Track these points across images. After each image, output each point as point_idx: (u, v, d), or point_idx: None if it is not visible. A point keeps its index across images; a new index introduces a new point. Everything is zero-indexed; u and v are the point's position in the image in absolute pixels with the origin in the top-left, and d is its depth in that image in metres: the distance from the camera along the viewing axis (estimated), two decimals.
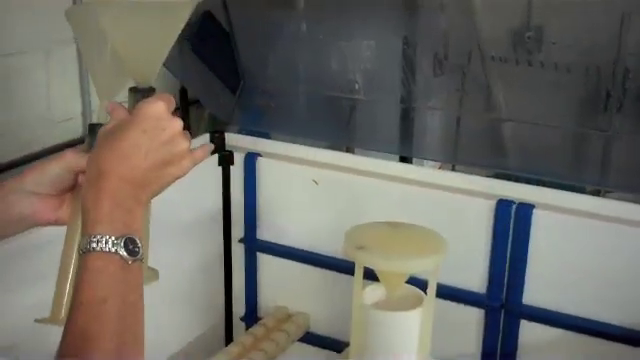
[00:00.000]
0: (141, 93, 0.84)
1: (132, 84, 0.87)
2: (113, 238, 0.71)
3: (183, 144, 0.79)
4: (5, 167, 1.80)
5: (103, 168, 0.74)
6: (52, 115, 2.02)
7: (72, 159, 0.84)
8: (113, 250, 0.71)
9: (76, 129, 2.13)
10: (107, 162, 0.74)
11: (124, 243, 0.71)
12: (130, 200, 0.74)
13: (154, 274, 0.92)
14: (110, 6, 0.84)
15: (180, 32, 0.87)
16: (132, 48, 0.84)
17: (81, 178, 0.83)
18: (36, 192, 0.84)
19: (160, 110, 0.77)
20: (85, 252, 0.71)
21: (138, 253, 0.72)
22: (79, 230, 0.76)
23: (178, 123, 0.79)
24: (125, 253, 0.71)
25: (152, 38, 0.85)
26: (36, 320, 0.85)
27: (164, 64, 1.78)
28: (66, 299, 0.84)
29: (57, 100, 2.03)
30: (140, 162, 0.75)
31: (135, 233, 0.73)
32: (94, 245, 0.70)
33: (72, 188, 0.85)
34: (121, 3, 0.85)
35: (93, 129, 0.85)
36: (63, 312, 0.84)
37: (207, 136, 1.70)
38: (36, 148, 1.99)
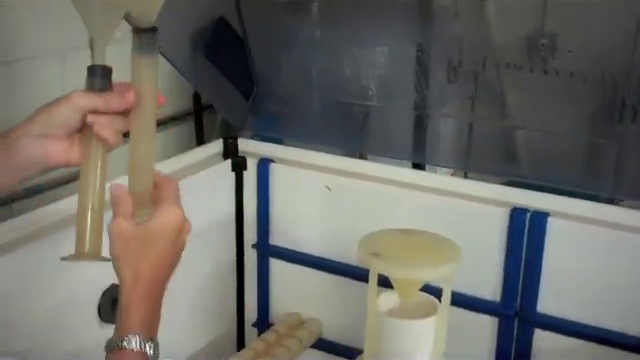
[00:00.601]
0: (146, 35, 0.84)
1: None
2: (145, 340, 0.82)
3: (189, 226, 0.90)
4: None
5: (141, 274, 0.84)
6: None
7: (80, 100, 0.86)
8: (143, 350, 0.81)
9: None
10: (144, 269, 0.84)
11: (153, 345, 0.83)
12: (159, 302, 0.86)
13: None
14: None
15: None
16: None
17: (89, 118, 0.85)
18: (46, 134, 0.85)
19: (180, 217, 0.87)
20: (115, 349, 0.81)
21: (158, 355, 0.83)
22: (92, 167, 0.85)
23: (188, 222, 0.89)
24: (152, 353, 0.82)
25: None
26: (62, 258, 0.86)
27: (178, 69, 1.79)
28: (88, 233, 0.85)
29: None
30: (168, 269, 0.87)
31: (156, 335, 0.84)
32: (125, 344, 0.81)
33: (81, 129, 0.87)
34: None
35: (93, 71, 0.87)
36: (87, 246, 0.85)
37: (220, 142, 1.70)
38: None
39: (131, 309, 0.83)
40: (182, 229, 0.87)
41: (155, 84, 0.87)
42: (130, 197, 0.86)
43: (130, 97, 0.85)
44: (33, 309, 1.23)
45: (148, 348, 0.82)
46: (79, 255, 0.85)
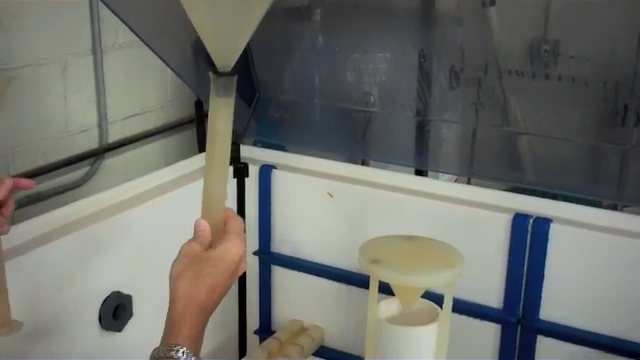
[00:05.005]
0: (222, 78, 0.88)
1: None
2: (191, 353, 0.85)
3: (245, 267, 0.94)
4: (22, 177, 1.81)
5: (197, 293, 0.88)
6: (68, 126, 2.04)
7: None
8: None
9: (92, 140, 2.14)
10: (200, 290, 0.88)
11: (198, 359, 0.86)
12: (205, 324, 0.89)
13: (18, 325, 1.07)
14: None
15: (258, 19, 0.87)
16: (215, 32, 0.86)
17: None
18: None
19: (242, 252, 0.93)
20: (162, 357, 0.84)
21: None
22: None
23: (245, 262, 0.94)
24: None
25: (235, 24, 0.86)
26: None
27: (180, 76, 1.79)
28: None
29: (74, 112, 2.04)
30: (219, 297, 0.91)
31: (199, 353, 0.88)
32: (173, 353, 0.84)
33: None
34: None
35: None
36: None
37: None
38: (52, 158, 2.00)
39: (182, 323, 0.87)
40: (239, 266, 0.93)
41: (229, 124, 0.92)
42: (209, 230, 0.93)
43: (3, 192, 0.98)
44: (35, 315, 1.23)
45: None
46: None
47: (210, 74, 0.89)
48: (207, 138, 0.92)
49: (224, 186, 0.95)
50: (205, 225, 0.94)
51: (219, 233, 0.94)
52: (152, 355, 0.85)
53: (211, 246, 0.93)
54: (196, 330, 0.87)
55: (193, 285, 0.89)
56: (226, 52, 0.88)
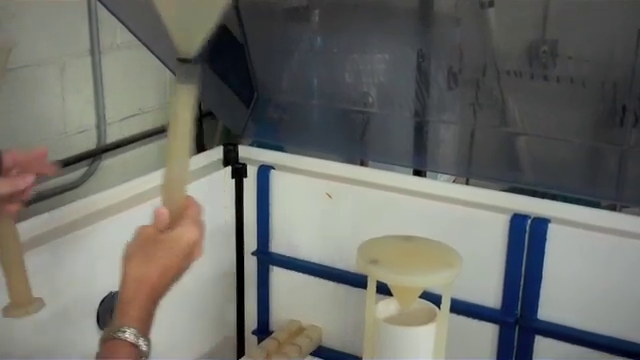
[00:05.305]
0: (187, 66, 0.90)
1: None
2: (140, 334, 0.85)
3: (201, 252, 0.94)
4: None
5: (147, 275, 0.89)
6: (66, 127, 2.03)
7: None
8: (137, 343, 0.85)
9: (90, 141, 2.14)
10: (151, 272, 0.89)
11: (147, 342, 0.86)
12: (156, 307, 0.90)
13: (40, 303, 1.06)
14: None
15: (222, 7, 0.90)
16: (179, 18, 0.88)
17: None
18: None
19: (197, 236, 0.92)
20: (110, 338, 0.85)
21: (149, 354, 0.87)
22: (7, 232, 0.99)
23: (201, 248, 0.94)
24: (144, 348, 0.86)
25: (200, 11, 0.88)
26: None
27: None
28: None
29: (71, 112, 2.04)
30: (171, 280, 0.91)
31: (149, 335, 0.88)
32: (120, 334, 0.84)
33: None
34: None
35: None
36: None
37: (220, 149, 1.70)
38: (50, 159, 1.99)
39: (132, 305, 0.87)
40: (194, 250, 0.93)
41: (191, 110, 0.93)
42: (168, 215, 0.93)
43: (29, 179, 0.97)
44: (33, 316, 1.23)
45: (142, 342, 0.85)
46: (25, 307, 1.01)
47: (176, 60, 0.91)
48: (169, 125, 0.92)
49: (185, 172, 0.95)
50: (164, 210, 0.93)
51: (178, 219, 0.94)
52: (101, 337, 0.86)
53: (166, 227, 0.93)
54: (146, 312, 0.88)
55: (145, 267, 0.89)
56: (189, 39, 0.89)
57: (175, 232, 0.92)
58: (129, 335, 0.84)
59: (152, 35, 1.55)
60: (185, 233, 0.92)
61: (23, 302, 1.04)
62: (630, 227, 1.33)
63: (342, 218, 1.58)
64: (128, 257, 0.90)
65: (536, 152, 1.57)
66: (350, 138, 1.78)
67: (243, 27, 1.74)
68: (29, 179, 0.97)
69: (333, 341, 1.67)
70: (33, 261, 1.22)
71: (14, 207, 1.01)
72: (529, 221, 1.38)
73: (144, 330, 0.86)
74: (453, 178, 1.96)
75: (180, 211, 0.94)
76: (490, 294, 1.44)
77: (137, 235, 0.92)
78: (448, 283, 1.21)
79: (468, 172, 1.75)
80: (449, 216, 1.46)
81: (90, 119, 2.09)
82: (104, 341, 0.86)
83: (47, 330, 1.27)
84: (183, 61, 0.90)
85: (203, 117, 2.30)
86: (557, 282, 1.39)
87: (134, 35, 1.56)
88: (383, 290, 1.23)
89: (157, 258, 0.90)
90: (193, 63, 0.90)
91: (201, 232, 0.94)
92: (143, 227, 0.93)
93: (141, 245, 0.91)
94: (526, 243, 1.39)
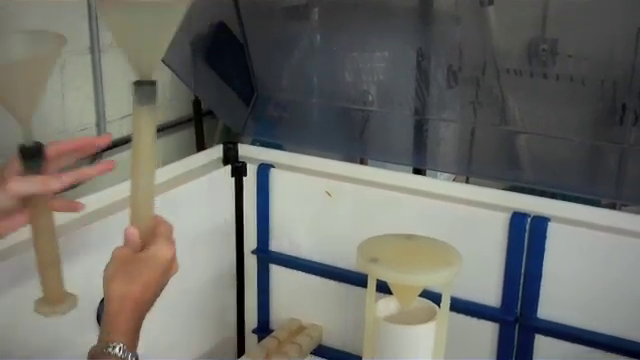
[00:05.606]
0: (143, 87, 0.91)
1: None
2: (128, 350, 0.87)
3: (177, 268, 0.98)
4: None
5: (131, 291, 0.91)
6: (66, 125, 2.03)
7: (17, 188, 0.93)
8: (125, 358, 0.87)
9: None
10: (134, 289, 0.91)
11: (135, 356, 0.88)
12: (141, 322, 0.92)
13: (74, 300, 1.05)
14: (110, 4, 0.90)
15: (176, 28, 0.91)
16: (132, 43, 0.90)
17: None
18: None
19: (172, 254, 0.96)
20: (99, 354, 0.87)
21: None
22: (46, 227, 0.97)
23: (177, 264, 0.97)
24: None
25: (150, 34, 0.89)
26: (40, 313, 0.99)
27: (178, 75, 1.79)
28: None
29: (71, 111, 2.03)
30: (153, 296, 0.94)
31: (136, 349, 0.90)
32: (110, 350, 0.86)
33: (14, 210, 0.95)
34: (121, 2, 0.90)
35: (27, 153, 0.94)
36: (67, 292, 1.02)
37: (220, 147, 1.70)
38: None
39: (118, 321, 0.89)
40: (171, 266, 0.96)
41: (153, 131, 0.94)
42: (138, 234, 0.95)
43: (67, 180, 0.95)
44: (34, 315, 1.23)
45: (130, 357, 0.87)
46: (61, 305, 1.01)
47: (132, 84, 0.92)
48: (132, 146, 0.94)
49: (151, 192, 0.97)
50: (134, 231, 0.96)
51: (148, 238, 0.96)
52: (89, 353, 0.87)
53: (142, 250, 0.95)
54: (132, 326, 0.90)
55: (128, 284, 0.92)
56: (146, 63, 0.91)
57: (151, 250, 0.94)
58: (118, 350, 0.87)
59: None
60: (161, 250, 0.95)
61: (54, 299, 1.02)
62: (630, 225, 1.33)
63: (342, 217, 1.58)
64: (109, 278, 0.92)
65: (536, 150, 1.57)
66: (350, 136, 1.78)
67: (243, 26, 1.74)
68: (67, 179, 0.96)
69: (333, 340, 1.67)
70: (32, 261, 1.22)
71: (56, 203, 1.00)
72: (529, 219, 1.38)
73: (131, 346, 0.89)
74: (453, 177, 1.96)
75: (149, 230, 0.97)
76: (490, 292, 1.44)
77: (114, 257, 0.94)
78: (448, 282, 1.21)
79: (468, 170, 1.76)
80: (449, 215, 1.46)
81: (90, 117, 2.08)
82: (92, 357, 0.87)
83: (47, 330, 1.27)
84: (141, 83, 0.92)
85: (203, 116, 2.30)
86: (557, 281, 1.38)
87: None
88: (383, 289, 1.24)
89: (138, 275, 0.92)
90: (150, 85, 0.92)
91: (174, 248, 0.97)
92: (118, 249, 0.95)
93: (120, 266, 0.93)
94: (526, 241, 1.39)
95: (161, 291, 0.95)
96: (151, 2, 0.91)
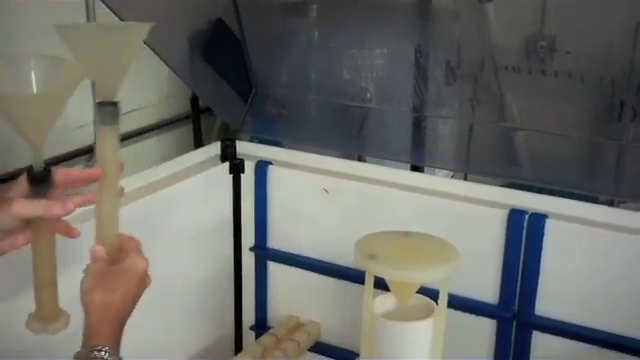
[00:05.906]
0: (105, 108, 0.94)
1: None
2: (113, 353, 0.89)
3: (150, 281, 1.00)
4: (18, 173, 1.81)
5: (113, 299, 0.93)
6: (64, 122, 2.03)
7: (21, 210, 0.93)
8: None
9: (88, 136, 2.14)
10: (116, 297, 0.93)
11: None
12: (122, 329, 0.94)
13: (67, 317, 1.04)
14: (72, 29, 0.93)
15: (137, 52, 0.94)
16: (94, 66, 0.92)
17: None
18: None
19: (146, 266, 0.98)
20: (84, 358, 0.88)
21: None
22: (46, 247, 0.98)
23: (150, 278, 1.00)
24: None
25: (112, 57, 0.92)
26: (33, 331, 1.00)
27: (176, 71, 1.79)
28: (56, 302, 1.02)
29: (69, 107, 2.03)
30: (132, 305, 0.96)
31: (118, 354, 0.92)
32: (96, 353, 0.88)
33: (16, 230, 0.96)
34: (83, 26, 0.92)
35: (35, 177, 0.96)
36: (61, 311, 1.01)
37: (218, 144, 1.69)
38: (48, 155, 1.99)
39: (101, 328, 0.91)
40: (145, 279, 0.98)
41: (116, 151, 0.97)
42: (104, 251, 0.98)
43: (70, 206, 0.95)
44: (30, 312, 1.23)
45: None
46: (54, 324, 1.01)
47: (96, 104, 0.95)
48: (95, 164, 0.98)
49: (115, 209, 0.99)
50: (99, 248, 0.98)
51: (114, 254, 0.99)
52: (74, 357, 0.89)
53: (112, 265, 0.98)
54: (116, 334, 0.92)
55: (108, 294, 0.94)
56: (108, 85, 0.94)
57: (127, 263, 0.97)
58: (104, 354, 0.88)
59: (150, 32, 1.55)
60: (136, 262, 0.97)
61: (46, 317, 1.03)
62: (628, 222, 1.33)
63: (340, 213, 1.58)
64: (88, 290, 0.94)
65: (534, 147, 1.57)
66: (348, 133, 1.78)
67: (241, 22, 1.74)
68: (70, 206, 0.96)
69: (331, 336, 1.67)
70: (27, 260, 1.22)
71: (58, 226, 1.01)
72: (527, 216, 1.38)
73: (115, 350, 0.90)
74: (451, 173, 1.96)
75: (114, 247, 0.99)
76: (488, 289, 1.44)
77: (90, 271, 0.96)
78: (445, 278, 1.21)
79: (466, 167, 1.76)
80: (447, 211, 1.45)
81: (89, 114, 2.08)
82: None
83: None
84: (104, 104, 0.94)
85: (201, 113, 2.30)
86: (555, 277, 1.38)
87: None
88: (381, 285, 1.23)
89: (117, 285, 0.94)
90: (112, 106, 0.94)
91: (147, 260, 0.99)
92: (92, 264, 0.97)
93: (97, 279, 0.95)
94: (524, 238, 1.39)
95: (136, 303, 0.97)
96: (112, 25, 0.98)
